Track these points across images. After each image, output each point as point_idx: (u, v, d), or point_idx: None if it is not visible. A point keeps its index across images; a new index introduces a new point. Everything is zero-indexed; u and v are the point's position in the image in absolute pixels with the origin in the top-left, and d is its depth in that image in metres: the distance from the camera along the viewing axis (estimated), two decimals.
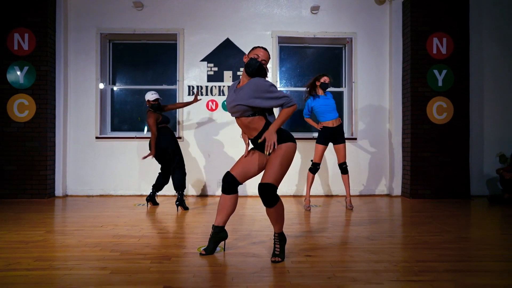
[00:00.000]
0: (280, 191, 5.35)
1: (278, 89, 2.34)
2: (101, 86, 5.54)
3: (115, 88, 5.75)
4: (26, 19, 5.08)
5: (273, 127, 2.25)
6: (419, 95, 5.17)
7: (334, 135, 4.30)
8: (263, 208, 4.89)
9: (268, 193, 2.24)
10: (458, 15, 5.18)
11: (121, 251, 2.56)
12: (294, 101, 2.31)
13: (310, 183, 4.41)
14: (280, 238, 2.39)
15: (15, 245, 2.70)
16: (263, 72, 2.33)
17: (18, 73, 5.08)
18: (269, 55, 2.38)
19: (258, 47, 2.37)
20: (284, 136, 2.31)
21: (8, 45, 5.08)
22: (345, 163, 4.33)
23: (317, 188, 5.46)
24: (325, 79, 4.36)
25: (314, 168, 4.35)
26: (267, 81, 2.29)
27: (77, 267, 2.23)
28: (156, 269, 2.18)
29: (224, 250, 2.52)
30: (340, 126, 4.35)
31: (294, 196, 5.44)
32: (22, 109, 5.08)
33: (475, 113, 5.39)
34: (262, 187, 2.25)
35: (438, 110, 5.15)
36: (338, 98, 5.83)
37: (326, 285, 1.94)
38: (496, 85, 5.49)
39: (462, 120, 5.17)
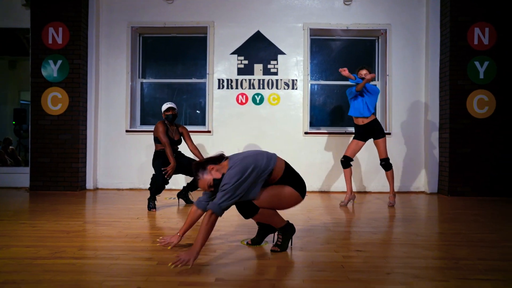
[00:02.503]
0: (310, 187, 5.23)
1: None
2: (130, 80, 5.55)
3: (144, 82, 5.75)
4: (60, 13, 5.13)
5: (196, 248, 1.93)
6: (458, 88, 4.93)
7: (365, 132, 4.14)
8: (308, 203, 4.85)
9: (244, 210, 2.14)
10: (501, 3, 4.91)
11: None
12: (222, 212, 1.96)
13: (347, 178, 4.22)
14: (282, 231, 2.29)
15: (56, 234, 2.69)
16: (220, 183, 2.03)
17: (52, 66, 5.14)
18: (200, 177, 2.05)
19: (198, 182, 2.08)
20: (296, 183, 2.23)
21: (43, 39, 5.14)
22: (384, 159, 4.14)
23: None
24: (361, 72, 4.04)
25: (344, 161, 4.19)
26: (234, 172, 1.99)
27: (123, 257, 2.18)
28: (203, 261, 2.10)
29: (291, 245, 2.40)
30: (371, 123, 4.10)
31: (323, 192, 5.30)
32: (55, 102, 5.14)
33: None
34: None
35: (479, 104, 4.90)
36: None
37: (386, 281, 1.82)
38: None
39: (505, 114, 4.90)
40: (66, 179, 5.13)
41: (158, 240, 2.37)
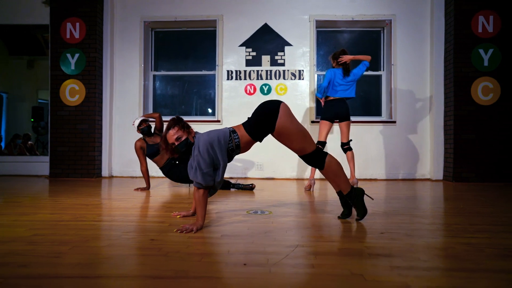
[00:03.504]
0: (319, 175, 5.36)
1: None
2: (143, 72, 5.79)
3: (157, 74, 5.99)
4: (77, 9, 5.41)
5: (198, 219, 2.13)
6: (463, 76, 5.01)
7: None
8: (316, 191, 4.89)
9: (309, 158, 2.29)
10: None
11: (175, 212, 2.70)
12: (204, 186, 2.09)
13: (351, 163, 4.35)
14: (350, 198, 2.33)
15: (77, 206, 2.92)
16: (186, 145, 2.16)
17: (70, 60, 5.41)
18: (176, 127, 2.16)
19: (166, 134, 2.18)
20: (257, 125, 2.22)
21: (61, 34, 5.42)
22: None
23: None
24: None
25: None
26: (202, 143, 2.09)
27: (137, 220, 2.38)
28: (211, 223, 2.28)
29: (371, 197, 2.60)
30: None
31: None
32: (73, 93, 5.41)
33: None
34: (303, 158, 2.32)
35: (484, 91, 4.97)
36: (376, 81, 5.77)
37: (380, 238, 1.96)
38: None
39: (509, 101, 4.95)
40: (84, 167, 5.40)
41: (172, 214, 2.56)
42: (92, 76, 5.42)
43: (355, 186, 2.45)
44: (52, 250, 1.69)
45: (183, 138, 2.17)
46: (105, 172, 5.59)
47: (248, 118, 2.30)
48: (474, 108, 4.98)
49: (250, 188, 4.09)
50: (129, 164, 5.68)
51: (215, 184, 2.17)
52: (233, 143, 2.21)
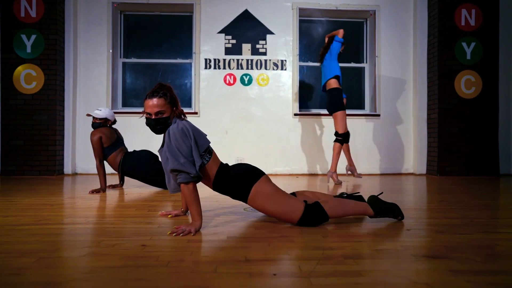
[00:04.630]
0: (300, 169, 5.11)
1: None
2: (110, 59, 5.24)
3: (127, 61, 5.45)
4: None
5: (194, 219, 1.76)
6: (447, 69, 4.97)
7: (328, 100, 4.09)
8: (298, 184, 4.63)
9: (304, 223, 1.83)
10: None
11: (161, 210, 2.30)
12: (191, 177, 1.72)
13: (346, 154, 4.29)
14: (379, 213, 1.91)
15: (38, 207, 2.43)
16: (165, 123, 1.81)
17: (26, 41, 4.76)
18: (162, 99, 1.80)
19: (146, 98, 1.82)
20: (243, 179, 1.84)
21: (14, 12, 4.75)
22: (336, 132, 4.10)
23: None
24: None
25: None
26: (178, 129, 1.75)
27: (118, 222, 1.97)
28: (213, 224, 1.93)
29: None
30: (331, 91, 4.04)
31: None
32: (29, 80, 4.77)
33: (503, 88, 5.21)
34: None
35: (467, 84, 4.96)
36: (358, 73, 5.63)
37: (409, 235, 1.71)
38: None
39: (490, 94, 4.99)
40: (42, 163, 4.77)
41: (159, 213, 2.16)
42: (52, 61, 4.80)
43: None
44: (11, 265, 1.27)
45: (165, 115, 1.80)
46: (67, 169, 4.99)
47: (228, 166, 1.93)
48: (458, 101, 4.96)
49: None
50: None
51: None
52: (203, 158, 1.83)
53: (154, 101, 1.79)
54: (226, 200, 2.68)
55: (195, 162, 1.75)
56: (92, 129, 3.50)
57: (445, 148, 4.93)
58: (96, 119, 3.47)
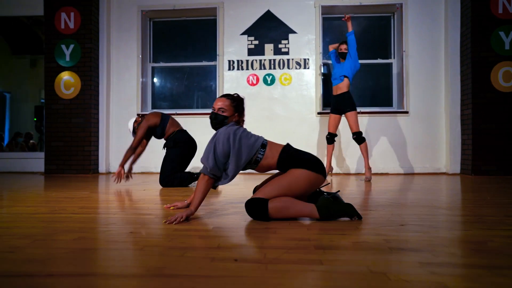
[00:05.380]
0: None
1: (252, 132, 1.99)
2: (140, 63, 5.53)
3: (155, 66, 5.73)
4: None
5: (191, 206, 1.88)
6: (482, 61, 4.65)
7: (338, 104, 4.19)
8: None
9: (251, 208, 1.84)
10: None
11: (167, 204, 2.41)
12: (209, 172, 1.85)
13: (329, 154, 4.37)
14: (325, 217, 1.83)
15: (60, 199, 2.65)
16: (222, 121, 1.99)
17: (65, 51, 5.18)
18: (228, 100, 2.01)
19: (218, 98, 2.05)
20: (303, 161, 1.88)
21: (55, 24, 5.20)
22: (355, 133, 4.09)
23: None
24: (340, 47, 4.30)
25: (329, 138, 4.34)
26: (226, 131, 1.89)
27: (121, 213, 2.10)
28: (201, 214, 2.00)
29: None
30: (343, 94, 4.15)
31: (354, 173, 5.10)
32: (68, 86, 5.18)
33: None
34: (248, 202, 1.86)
35: (505, 77, 4.61)
36: (387, 70, 5.43)
37: (401, 230, 1.65)
38: None
39: None
40: (79, 163, 5.16)
41: (164, 206, 2.27)
42: (88, 68, 5.18)
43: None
44: (9, 244, 1.42)
45: (224, 114, 2.00)
46: (102, 168, 5.34)
47: (290, 146, 1.99)
48: (494, 95, 4.62)
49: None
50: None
51: (223, 178, 1.92)
52: (254, 157, 1.94)
53: (221, 99, 2.02)
54: (233, 196, 2.73)
55: (222, 164, 1.87)
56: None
57: (480, 146, 4.61)
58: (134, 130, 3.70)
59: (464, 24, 4.83)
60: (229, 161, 1.89)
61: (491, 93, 4.62)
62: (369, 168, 4.09)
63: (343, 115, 4.25)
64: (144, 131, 3.49)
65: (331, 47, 4.47)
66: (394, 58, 5.36)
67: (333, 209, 1.84)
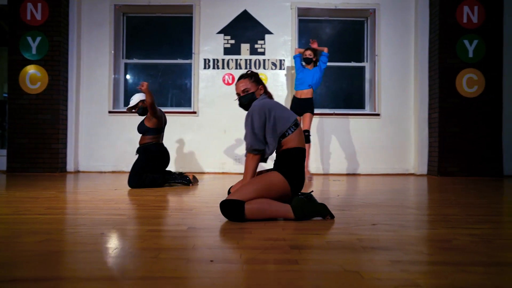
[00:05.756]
0: None
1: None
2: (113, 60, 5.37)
3: (128, 62, 5.58)
4: None
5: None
6: (448, 67, 4.87)
7: (300, 106, 4.36)
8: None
9: (227, 209, 1.81)
10: None
11: (140, 204, 2.36)
12: (251, 149, 1.91)
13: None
14: (300, 217, 1.85)
15: (25, 199, 2.53)
16: (251, 98, 2.07)
17: (31, 43, 4.94)
18: (247, 79, 2.10)
19: (236, 82, 2.14)
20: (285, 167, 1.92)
21: (21, 15, 4.95)
22: (307, 131, 4.29)
23: (339, 165, 5.21)
24: (305, 53, 4.46)
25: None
26: (259, 103, 1.95)
27: (91, 213, 2.03)
28: (178, 216, 1.97)
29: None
30: (307, 99, 4.37)
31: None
32: (34, 80, 4.95)
33: (508, 87, 5.05)
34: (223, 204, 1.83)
35: (469, 83, 4.85)
36: (359, 73, 5.57)
37: (372, 229, 1.70)
38: None
39: (494, 93, 4.85)
40: (46, 161, 4.93)
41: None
42: (56, 62, 4.97)
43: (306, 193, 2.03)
44: None
45: (250, 92, 2.09)
46: (70, 167, 5.14)
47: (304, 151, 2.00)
48: (459, 100, 4.85)
49: (187, 182, 3.51)
50: (97, 158, 5.25)
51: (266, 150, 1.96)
52: (285, 131, 1.95)
53: (241, 81, 2.11)
54: (207, 196, 2.71)
55: (262, 137, 1.92)
56: (144, 117, 3.58)
57: (446, 148, 4.83)
58: (136, 107, 3.59)
59: (433, 31, 5.04)
60: (266, 133, 1.93)
61: (457, 98, 4.85)
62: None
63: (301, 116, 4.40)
64: (155, 109, 3.45)
65: (297, 51, 4.58)
66: (367, 61, 5.51)
67: (307, 209, 1.87)
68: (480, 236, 1.57)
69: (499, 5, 4.89)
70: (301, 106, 4.35)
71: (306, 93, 4.37)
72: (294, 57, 4.58)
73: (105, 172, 5.17)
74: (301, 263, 1.19)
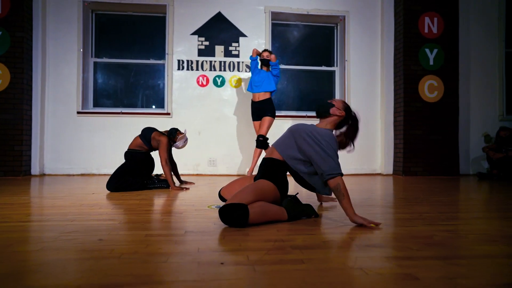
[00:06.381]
0: None
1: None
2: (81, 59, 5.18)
3: (98, 61, 5.40)
4: None
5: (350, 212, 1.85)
6: (412, 73, 5.21)
7: (259, 110, 4.48)
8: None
9: (230, 214, 1.77)
10: None
11: (127, 209, 2.33)
12: (339, 172, 1.87)
13: (256, 157, 4.53)
14: (292, 218, 1.96)
15: None
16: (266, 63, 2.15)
17: None
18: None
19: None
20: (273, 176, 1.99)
21: None
22: (261, 136, 4.42)
23: None
24: (263, 54, 4.54)
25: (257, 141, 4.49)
26: (333, 138, 1.98)
27: (79, 219, 1.99)
28: (173, 219, 1.98)
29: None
30: (264, 101, 4.44)
31: None
32: None
33: (463, 93, 5.50)
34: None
35: (430, 89, 5.21)
36: (329, 77, 5.79)
37: (353, 227, 1.82)
38: (482, 68, 5.63)
39: (451, 99, 5.26)
40: (7, 163, 4.65)
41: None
42: (19, 59, 4.70)
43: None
44: None
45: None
46: (35, 170, 4.89)
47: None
48: (422, 104, 5.20)
49: (166, 186, 3.49)
50: (65, 160, 5.03)
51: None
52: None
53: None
54: (192, 199, 2.72)
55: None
56: (154, 132, 3.48)
57: (410, 150, 5.16)
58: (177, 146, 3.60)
59: (398, 39, 5.36)
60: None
61: (419, 103, 5.20)
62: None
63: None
64: (166, 150, 3.40)
65: (255, 53, 4.57)
66: (337, 66, 5.74)
67: (297, 210, 1.96)
68: (455, 232, 1.74)
69: (455, 17, 5.30)
70: (259, 109, 4.43)
71: (263, 95, 4.44)
72: (251, 58, 4.59)
73: (73, 175, 4.97)
74: (306, 262, 1.27)
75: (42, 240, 1.54)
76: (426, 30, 5.24)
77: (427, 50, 5.22)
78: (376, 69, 5.59)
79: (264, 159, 2.09)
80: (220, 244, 1.52)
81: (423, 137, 5.18)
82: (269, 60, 4.45)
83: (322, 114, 2.09)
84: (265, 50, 4.54)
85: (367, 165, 5.53)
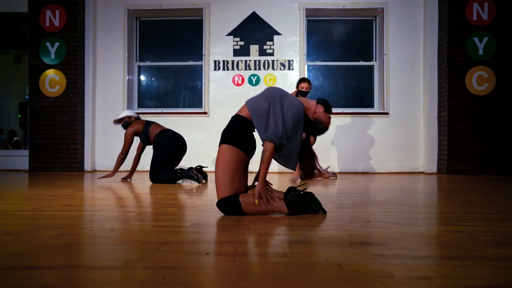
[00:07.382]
0: None
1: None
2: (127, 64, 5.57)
3: (142, 65, 5.77)
4: None
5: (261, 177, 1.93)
6: (457, 65, 4.85)
7: None
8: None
9: (224, 207, 1.97)
10: None
11: (150, 202, 2.51)
12: (279, 140, 1.90)
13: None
14: (294, 212, 2.01)
15: (44, 197, 2.71)
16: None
17: (50, 49, 5.19)
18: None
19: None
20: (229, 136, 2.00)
21: (40, 22, 5.20)
22: None
23: (336, 164, 5.26)
24: (302, 85, 4.09)
25: None
26: (295, 108, 1.97)
27: (104, 210, 2.19)
28: (179, 212, 2.10)
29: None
30: None
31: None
32: (53, 84, 5.19)
33: None
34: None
35: (479, 81, 4.82)
36: (368, 72, 5.60)
37: (366, 226, 1.78)
38: None
39: (505, 91, 4.81)
40: (64, 160, 5.18)
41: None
42: (73, 66, 5.20)
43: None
44: None
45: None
46: (87, 166, 5.38)
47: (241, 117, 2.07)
48: (469, 98, 4.83)
49: (197, 180, 3.63)
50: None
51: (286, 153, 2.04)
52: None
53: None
54: (204, 196, 2.84)
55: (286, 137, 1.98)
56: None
57: (455, 147, 4.82)
58: (122, 121, 3.90)
59: (441, 29, 5.02)
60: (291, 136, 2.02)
61: (466, 96, 4.83)
62: None
63: None
64: (130, 137, 3.72)
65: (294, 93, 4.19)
66: (375, 60, 5.53)
67: (301, 205, 1.97)
68: (467, 233, 1.64)
69: (510, 1, 4.82)
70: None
71: None
72: None
73: (120, 171, 5.37)
74: (289, 256, 1.29)
75: (64, 227, 1.74)
76: (474, 17, 4.84)
77: (476, 39, 4.83)
78: (418, 62, 5.28)
79: (232, 116, 2.11)
80: (216, 236, 1.59)
81: (470, 133, 4.80)
82: (307, 93, 4.09)
83: (317, 100, 2.12)
84: (303, 80, 4.12)
85: (408, 163, 5.26)
